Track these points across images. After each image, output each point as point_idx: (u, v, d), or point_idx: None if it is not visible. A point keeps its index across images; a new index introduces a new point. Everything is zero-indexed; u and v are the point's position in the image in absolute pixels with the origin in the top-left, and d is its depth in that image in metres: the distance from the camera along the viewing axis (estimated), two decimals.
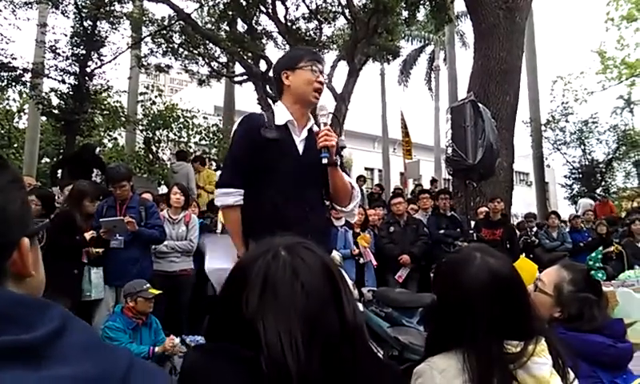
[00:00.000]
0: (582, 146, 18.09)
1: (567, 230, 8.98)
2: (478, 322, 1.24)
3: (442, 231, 6.61)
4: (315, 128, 2.43)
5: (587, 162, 18.10)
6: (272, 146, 2.29)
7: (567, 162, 18.48)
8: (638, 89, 20.33)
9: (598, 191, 17.46)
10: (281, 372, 0.79)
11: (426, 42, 24.74)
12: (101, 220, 4.53)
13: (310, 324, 0.85)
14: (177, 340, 4.03)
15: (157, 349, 3.89)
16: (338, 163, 2.37)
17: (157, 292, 4.11)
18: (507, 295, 1.27)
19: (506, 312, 1.25)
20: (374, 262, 6.16)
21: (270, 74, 12.63)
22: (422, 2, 11.16)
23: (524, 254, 7.87)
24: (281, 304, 0.86)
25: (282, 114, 2.36)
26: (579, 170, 18.16)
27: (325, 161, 2.24)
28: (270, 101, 12.74)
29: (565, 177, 18.86)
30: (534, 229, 9.36)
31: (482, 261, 1.30)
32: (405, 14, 12.45)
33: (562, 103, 18.30)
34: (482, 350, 1.22)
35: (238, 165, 2.38)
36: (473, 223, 7.10)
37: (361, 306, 4.49)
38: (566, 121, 18.07)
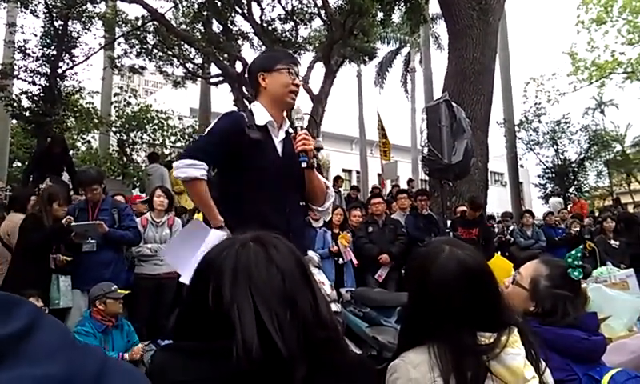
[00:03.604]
0: (555, 146, 18.42)
1: (541, 225, 9.12)
2: (449, 314, 1.24)
3: (418, 230, 6.64)
4: (291, 130, 2.45)
5: (560, 162, 18.43)
6: (255, 147, 2.29)
7: (540, 161, 18.81)
8: (608, 90, 20.87)
9: (570, 190, 17.81)
10: (252, 359, 0.77)
11: (402, 43, 24.97)
12: (72, 224, 4.42)
13: (289, 305, 0.85)
14: (141, 345, 3.96)
15: (126, 355, 3.81)
16: (315, 165, 2.40)
17: (125, 292, 4.03)
18: (476, 285, 1.27)
19: (476, 302, 1.25)
20: (355, 261, 6.13)
21: (246, 74, 12.61)
22: (396, 3, 11.23)
23: (499, 253, 7.98)
24: (257, 287, 0.85)
25: (261, 114, 2.36)
26: (552, 170, 18.49)
27: (304, 165, 2.27)
28: (247, 102, 12.68)
29: (538, 176, 19.20)
30: (511, 227, 9.49)
31: (450, 252, 1.31)
32: (380, 15, 12.54)
33: (535, 104, 18.63)
34: (453, 341, 1.21)
35: (212, 146, 2.28)
36: (449, 222, 7.16)
37: (339, 307, 4.50)
38: (539, 121, 18.39)
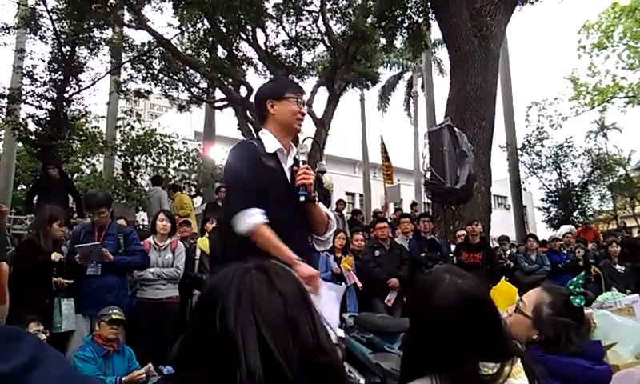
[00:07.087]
0: (558, 170, 18.38)
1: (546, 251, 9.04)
2: (450, 344, 1.23)
3: (422, 255, 6.62)
4: (298, 157, 2.47)
5: (563, 186, 18.37)
6: (269, 175, 2.32)
7: (544, 185, 18.75)
8: (610, 114, 20.93)
9: (574, 214, 17.73)
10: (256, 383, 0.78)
11: (404, 68, 25.19)
12: (76, 246, 4.41)
13: (291, 329, 0.86)
14: (142, 369, 3.91)
15: (124, 379, 3.76)
16: (316, 199, 2.43)
17: (120, 317, 3.96)
18: (477, 315, 1.27)
19: (477, 332, 1.24)
20: (359, 284, 6.09)
21: (252, 99, 12.73)
22: (399, 29, 11.38)
23: (503, 278, 7.91)
24: (260, 311, 0.86)
25: (271, 142, 2.39)
26: (556, 194, 18.42)
27: (302, 199, 2.31)
28: (251, 126, 12.78)
29: (542, 200, 19.12)
30: (508, 252, 9.36)
31: (451, 282, 1.30)
32: (383, 41, 12.70)
33: (538, 128, 18.69)
34: (456, 372, 1.20)
35: (251, 187, 2.28)
36: (453, 247, 7.12)
37: (342, 332, 4.45)
38: (542, 145, 18.40)
